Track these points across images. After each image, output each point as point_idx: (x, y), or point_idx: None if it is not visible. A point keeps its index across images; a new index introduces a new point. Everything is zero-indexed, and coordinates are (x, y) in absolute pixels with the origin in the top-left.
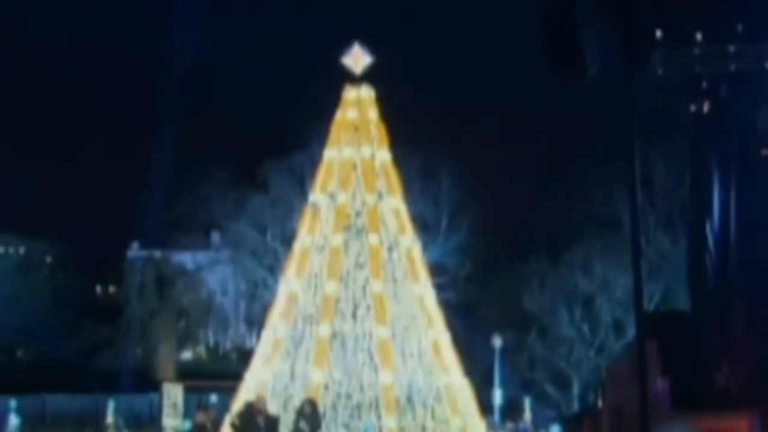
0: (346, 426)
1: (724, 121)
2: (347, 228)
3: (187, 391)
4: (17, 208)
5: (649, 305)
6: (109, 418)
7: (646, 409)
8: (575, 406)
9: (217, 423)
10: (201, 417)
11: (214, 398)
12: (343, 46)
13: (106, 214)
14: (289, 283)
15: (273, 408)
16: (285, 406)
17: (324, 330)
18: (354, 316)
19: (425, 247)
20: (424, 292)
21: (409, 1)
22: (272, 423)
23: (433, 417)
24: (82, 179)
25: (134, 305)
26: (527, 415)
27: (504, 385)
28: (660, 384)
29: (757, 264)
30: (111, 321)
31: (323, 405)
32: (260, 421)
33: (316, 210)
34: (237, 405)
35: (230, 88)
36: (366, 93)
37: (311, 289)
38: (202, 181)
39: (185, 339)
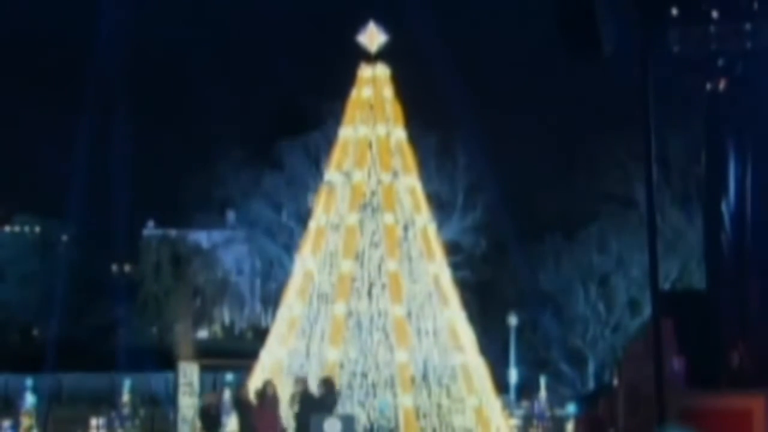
0: (362, 404)
1: (740, 99)
2: (362, 207)
3: (203, 369)
4: (33, 187)
5: (664, 284)
6: (125, 397)
7: (661, 388)
8: (591, 384)
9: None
10: (209, 398)
11: (229, 377)
12: (358, 24)
13: (122, 193)
14: (305, 262)
15: (288, 387)
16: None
17: (339, 309)
18: (369, 294)
19: (440, 226)
20: (439, 270)
21: None
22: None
23: (448, 395)
24: (97, 158)
25: (150, 284)
26: (542, 393)
27: (519, 363)
28: (675, 363)
29: None
30: (127, 300)
31: (339, 384)
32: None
33: (331, 188)
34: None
35: (246, 67)
36: (381, 71)
37: (326, 267)
38: (218, 160)
39: (201, 318)
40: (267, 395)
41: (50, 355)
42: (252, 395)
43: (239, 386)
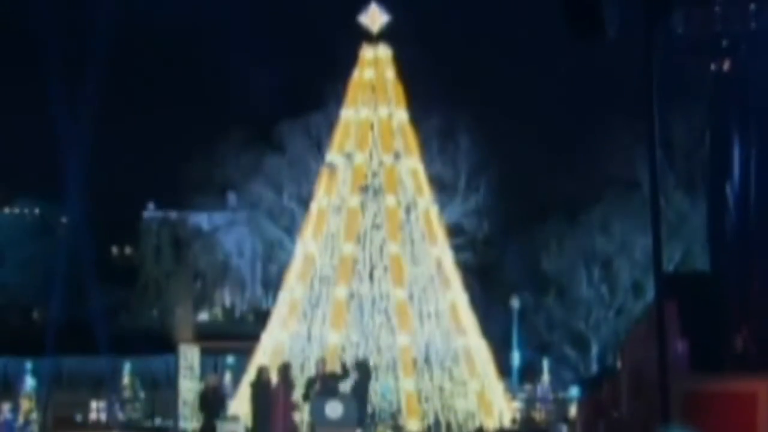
0: None
1: (745, 80)
2: (364, 189)
3: (204, 352)
4: (32, 168)
5: (668, 266)
6: (125, 380)
7: (665, 371)
8: (594, 368)
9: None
10: (212, 380)
11: (230, 360)
12: (360, 5)
13: (122, 175)
14: (306, 245)
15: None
16: (302, 368)
17: (341, 292)
18: (371, 277)
19: (443, 208)
20: (441, 253)
21: None
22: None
23: (450, 379)
24: (97, 139)
25: (150, 267)
26: (545, 377)
27: (522, 347)
28: (679, 346)
29: None
30: (127, 282)
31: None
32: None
33: (332, 170)
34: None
35: (247, 48)
36: (383, 52)
37: (328, 250)
38: (218, 141)
39: (201, 301)
40: (288, 377)
41: (50, 338)
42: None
43: (260, 368)
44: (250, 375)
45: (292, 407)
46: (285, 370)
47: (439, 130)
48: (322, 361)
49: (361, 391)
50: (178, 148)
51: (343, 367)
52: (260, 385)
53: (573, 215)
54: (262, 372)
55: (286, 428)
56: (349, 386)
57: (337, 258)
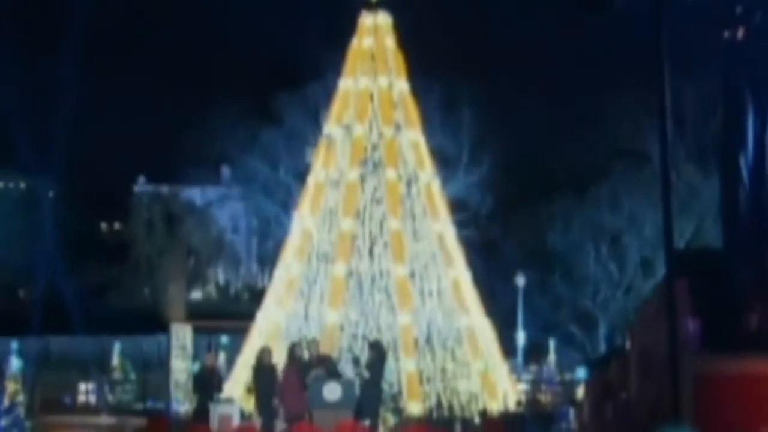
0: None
1: (759, 48)
2: (363, 162)
3: (197, 332)
4: (17, 140)
5: (679, 243)
6: (116, 361)
7: (675, 351)
8: (602, 348)
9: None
10: (211, 359)
11: (224, 339)
12: None
13: (111, 147)
14: (303, 220)
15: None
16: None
17: (339, 269)
18: (371, 254)
19: (445, 182)
20: (443, 229)
21: None
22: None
23: (453, 359)
24: (85, 110)
25: (141, 243)
26: (551, 357)
27: (527, 326)
28: (690, 325)
29: None
30: (117, 259)
31: (338, 347)
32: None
33: (330, 143)
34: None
35: (241, 16)
36: (383, 19)
37: (326, 226)
38: (212, 113)
39: (195, 278)
40: (296, 357)
41: (37, 317)
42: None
43: (262, 350)
44: (245, 356)
45: (303, 387)
46: (293, 349)
47: (442, 100)
48: (314, 343)
49: (376, 372)
50: (171, 119)
51: (373, 344)
52: (264, 368)
53: (580, 189)
54: (264, 353)
55: (301, 407)
56: (363, 367)
57: (336, 234)
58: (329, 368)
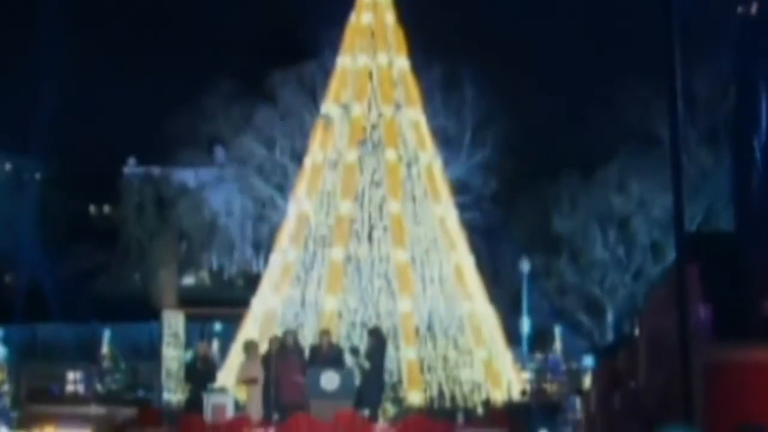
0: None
1: None
2: (362, 142)
3: (189, 319)
4: (1, 120)
5: (690, 226)
6: (105, 349)
7: (686, 338)
8: (609, 335)
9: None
10: (204, 347)
11: (218, 327)
12: None
13: (101, 127)
14: (300, 203)
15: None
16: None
17: (337, 253)
18: (370, 238)
19: (447, 164)
20: (445, 212)
21: None
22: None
23: (455, 347)
24: (75, 88)
25: (132, 227)
26: (557, 345)
27: (532, 313)
28: (701, 311)
29: None
30: (107, 244)
31: (336, 335)
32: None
33: (328, 123)
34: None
35: None
36: None
37: (323, 209)
38: (205, 92)
39: (187, 263)
40: (288, 345)
41: (23, 303)
42: (267, 347)
43: (286, 332)
44: (238, 344)
45: (297, 376)
46: (284, 337)
47: (443, 79)
48: (325, 333)
49: (377, 360)
50: (162, 98)
51: (372, 331)
52: (287, 351)
53: (587, 171)
54: (288, 335)
55: (300, 394)
56: (362, 356)
57: (333, 217)
58: (335, 358)
